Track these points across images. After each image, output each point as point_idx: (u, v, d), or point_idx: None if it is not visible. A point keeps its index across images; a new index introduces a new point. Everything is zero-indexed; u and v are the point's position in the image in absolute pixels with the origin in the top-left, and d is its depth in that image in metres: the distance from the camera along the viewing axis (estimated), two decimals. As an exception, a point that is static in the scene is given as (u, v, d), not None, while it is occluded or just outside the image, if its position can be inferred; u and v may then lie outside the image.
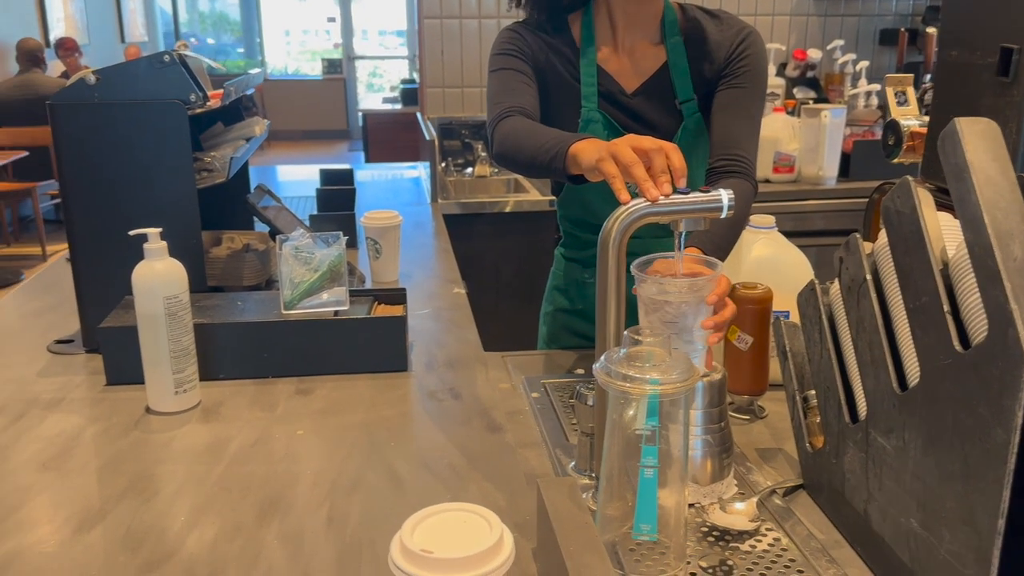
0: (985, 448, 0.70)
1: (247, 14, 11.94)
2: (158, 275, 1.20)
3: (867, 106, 3.41)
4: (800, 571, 0.92)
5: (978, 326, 0.72)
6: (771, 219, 1.43)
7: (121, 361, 1.31)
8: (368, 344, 1.37)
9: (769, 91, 3.12)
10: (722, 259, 1.25)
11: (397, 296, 1.52)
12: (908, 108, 1.90)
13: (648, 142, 1.01)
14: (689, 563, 0.92)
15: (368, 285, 1.85)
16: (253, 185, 1.97)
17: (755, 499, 1.03)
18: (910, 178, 0.83)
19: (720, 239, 1.26)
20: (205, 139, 1.68)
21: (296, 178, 3.51)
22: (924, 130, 1.81)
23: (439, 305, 1.74)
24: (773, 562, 0.93)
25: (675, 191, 0.97)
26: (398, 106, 7.53)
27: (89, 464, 1.10)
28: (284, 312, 1.37)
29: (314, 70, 11.91)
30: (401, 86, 7.96)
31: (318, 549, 0.92)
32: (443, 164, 3.48)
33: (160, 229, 1.21)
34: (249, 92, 1.88)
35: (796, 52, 3.71)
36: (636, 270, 1.01)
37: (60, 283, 1.80)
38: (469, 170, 3.47)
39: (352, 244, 2.10)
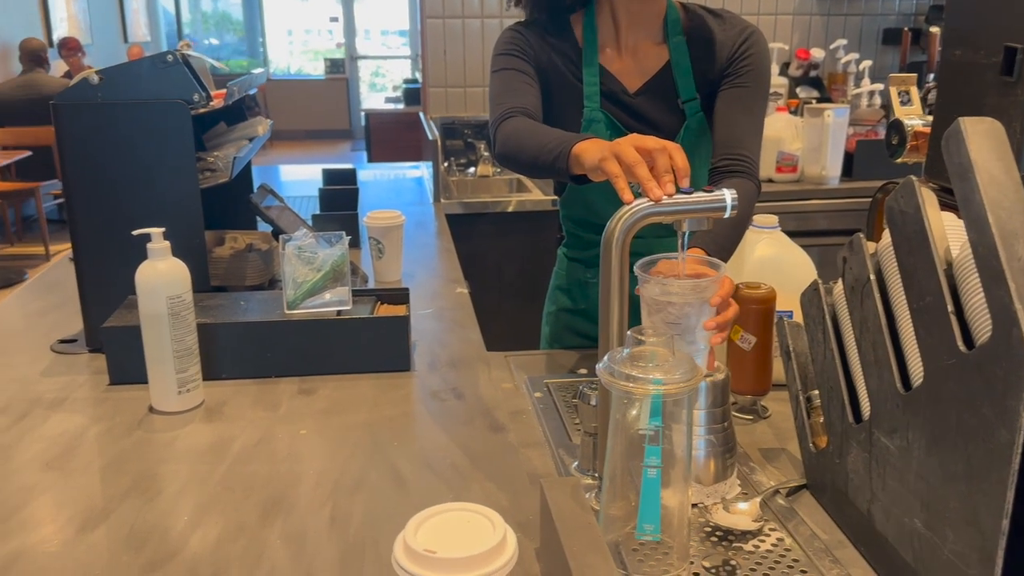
0: (989, 448, 0.70)
1: (249, 14, 11.95)
2: (161, 275, 1.20)
3: (870, 106, 3.41)
4: (803, 571, 0.91)
5: (982, 326, 0.72)
6: (774, 219, 1.43)
7: (124, 361, 1.31)
8: (371, 344, 1.37)
9: (772, 91, 3.12)
10: (725, 259, 1.25)
11: (400, 296, 1.52)
12: (912, 108, 1.90)
13: (651, 142, 1.01)
14: (692, 563, 0.92)
15: (371, 285, 1.85)
16: (256, 185, 1.97)
17: (758, 499, 1.03)
18: (914, 178, 0.82)
19: (723, 239, 1.26)
20: (208, 139, 1.69)
21: (299, 178, 3.51)
22: (928, 130, 1.80)
23: (442, 305, 1.74)
24: (776, 562, 0.93)
25: (678, 191, 0.97)
26: (400, 106, 7.55)
27: (92, 464, 1.10)
28: (287, 312, 1.37)
29: (317, 70, 11.92)
30: (403, 86, 7.97)
31: (321, 549, 0.92)
32: (446, 164, 3.48)
33: (163, 229, 1.22)
34: (252, 92, 1.89)
35: (799, 51, 3.71)
36: (640, 271, 1.01)
37: (63, 283, 1.81)
38: (472, 170, 3.47)
39: (355, 244, 2.11)
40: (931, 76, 3.32)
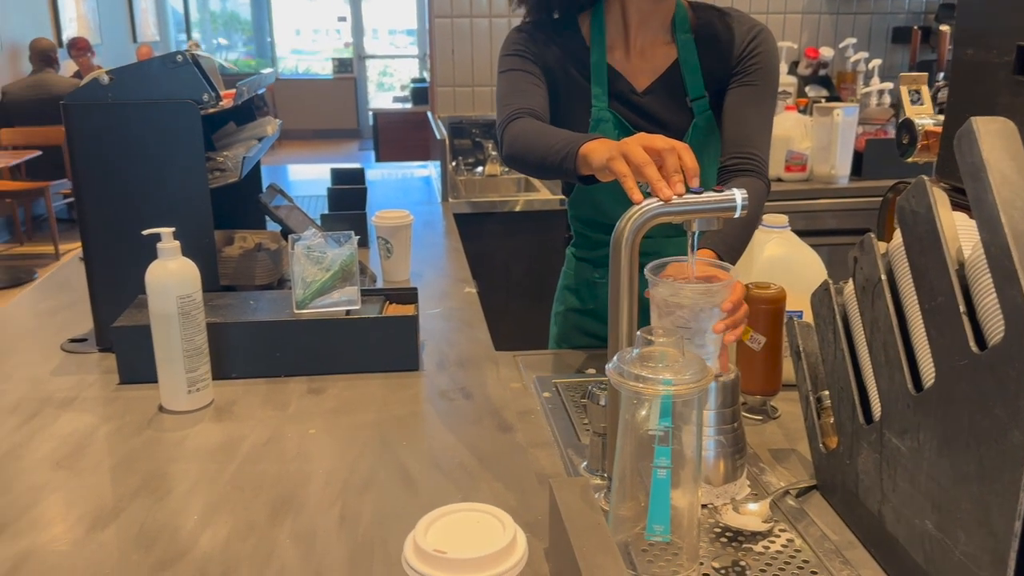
0: (1001, 449, 0.69)
1: (258, 13, 11.98)
2: (171, 274, 1.20)
3: (880, 104, 3.39)
4: (814, 572, 0.91)
5: (994, 327, 0.71)
6: (784, 218, 1.42)
7: (134, 360, 1.31)
8: (380, 343, 1.37)
9: (781, 89, 3.10)
10: (735, 259, 1.25)
11: (408, 295, 1.52)
12: (922, 107, 1.89)
13: (660, 141, 1.00)
14: (702, 564, 0.92)
15: (379, 284, 1.86)
16: (265, 184, 1.98)
17: (768, 500, 1.03)
18: (925, 178, 0.82)
19: (733, 239, 1.25)
20: (217, 139, 1.69)
21: (307, 177, 3.52)
22: (939, 129, 1.80)
23: (450, 304, 1.74)
24: (787, 563, 0.93)
25: (688, 191, 0.96)
26: (408, 105, 7.55)
27: (102, 463, 1.10)
28: (296, 311, 1.37)
29: (325, 69, 11.94)
30: (411, 85, 7.98)
31: (330, 548, 0.92)
32: (453, 163, 3.48)
33: (173, 228, 1.22)
34: (261, 92, 1.89)
35: (808, 50, 3.70)
36: (650, 273, 1.01)
37: (73, 282, 1.81)
38: (479, 169, 3.47)
39: (363, 243, 2.10)
40: (940, 75, 3.31)
